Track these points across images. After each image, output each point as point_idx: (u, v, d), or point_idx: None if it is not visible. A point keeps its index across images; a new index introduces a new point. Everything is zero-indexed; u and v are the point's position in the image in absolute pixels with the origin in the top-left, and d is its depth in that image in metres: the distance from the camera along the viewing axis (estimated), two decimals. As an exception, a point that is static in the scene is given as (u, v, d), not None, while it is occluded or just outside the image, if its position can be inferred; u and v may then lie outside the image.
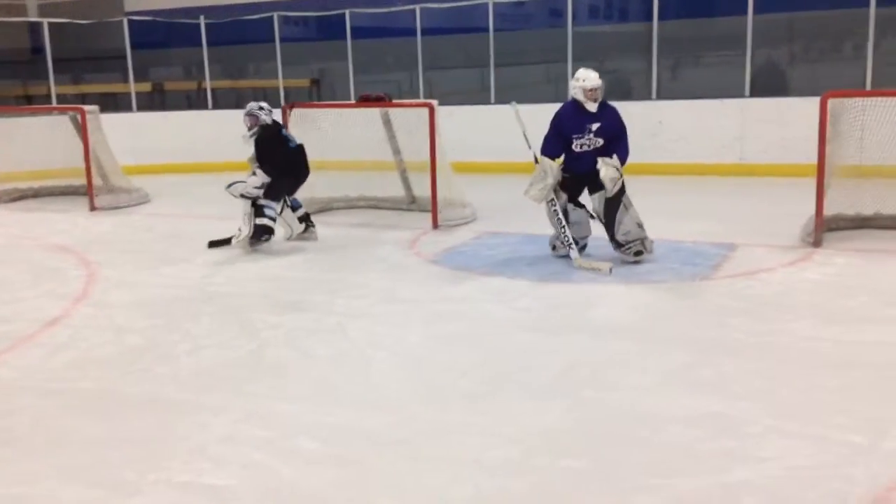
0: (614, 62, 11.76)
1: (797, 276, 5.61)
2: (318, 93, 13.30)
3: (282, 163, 6.90)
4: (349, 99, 11.30)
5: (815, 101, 6.31)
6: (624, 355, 4.33)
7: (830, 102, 6.23)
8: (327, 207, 8.77)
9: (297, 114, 8.39)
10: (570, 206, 6.14)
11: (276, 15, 12.29)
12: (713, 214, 7.56)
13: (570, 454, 3.28)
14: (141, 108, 12.85)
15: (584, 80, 5.95)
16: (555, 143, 6.03)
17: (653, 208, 8.05)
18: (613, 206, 5.97)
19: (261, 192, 6.84)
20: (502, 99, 11.23)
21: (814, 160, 6.31)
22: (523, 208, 6.76)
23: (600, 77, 5.99)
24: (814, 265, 5.85)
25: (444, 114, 7.85)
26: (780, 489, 2.96)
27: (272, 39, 12.37)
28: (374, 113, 8.31)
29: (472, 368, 4.23)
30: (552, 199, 6.04)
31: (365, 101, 8.30)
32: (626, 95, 10.89)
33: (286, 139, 7.07)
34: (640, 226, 6.03)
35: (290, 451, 3.41)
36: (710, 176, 9.58)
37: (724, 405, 3.64)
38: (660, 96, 10.31)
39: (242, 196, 6.92)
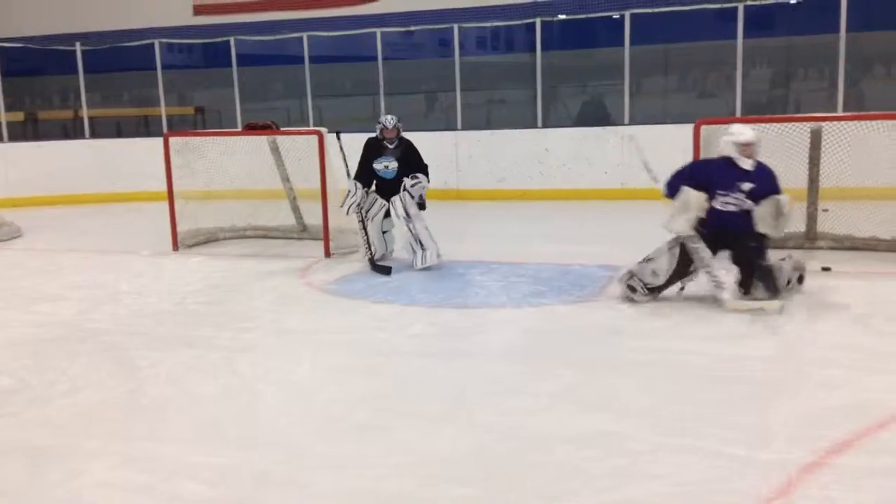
0: (501, 92, 12.04)
1: (679, 294, 5.80)
2: (204, 121, 12.98)
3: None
4: (236, 127, 11.07)
5: (689, 129, 6.61)
6: (515, 378, 4.36)
7: (703, 129, 6.54)
8: (213, 238, 8.52)
9: (179, 142, 8.14)
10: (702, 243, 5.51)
11: (157, 42, 11.94)
12: (598, 238, 7.78)
13: (463, 482, 3.25)
14: (13, 138, 12.18)
15: (740, 134, 5.43)
16: (689, 182, 5.50)
17: (541, 233, 8.29)
18: (750, 270, 5.45)
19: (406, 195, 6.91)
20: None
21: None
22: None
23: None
24: (693, 283, 6.07)
25: (334, 141, 7.78)
26: (669, 505, 3.02)
27: (154, 67, 12.01)
28: (261, 141, 8.16)
29: (364, 399, 4.15)
30: (693, 236, 5.47)
31: (251, 129, 8.15)
32: (514, 123, 11.15)
33: None
34: (783, 259, 5.58)
35: (173, 495, 3.23)
36: (595, 201, 9.87)
37: (613, 424, 3.70)
38: (545, 124, 10.58)
39: (416, 197, 6.93)
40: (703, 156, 6.49)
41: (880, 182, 6.61)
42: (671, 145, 8.97)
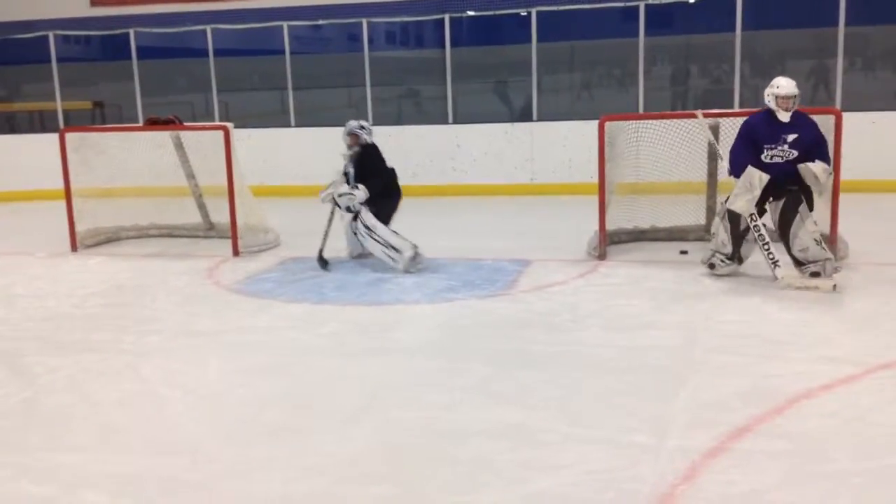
0: (412, 87, 12.02)
1: (585, 288, 5.94)
2: (103, 116, 12.48)
3: (386, 180, 6.70)
4: (137, 122, 10.69)
5: (594, 125, 6.76)
6: (429, 374, 4.37)
7: (607, 125, 6.70)
8: (115, 237, 8.21)
9: (76, 138, 7.82)
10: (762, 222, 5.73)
11: (51, 34, 11.41)
12: (509, 232, 7.88)
13: (377, 480, 3.24)
14: None
15: (778, 87, 5.61)
16: (746, 152, 5.68)
17: (454, 228, 8.33)
18: (788, 218, 5.63)
19: (362, 207, 6.54)
20: (302, 122, 11.14)
21: (596, 179, 6.74)
22: (330, 231, 6.71)
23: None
24: (599, 276, 6.24)
25: (242, 137, 7.62)
26: (577, 495, 3.08)
27: (49, 59, 11.47)
28: (165, 136, 7.91)
29: (274, 400, 4.09)
30: (753, 214, 5.66)
31: (153, 123, 7.89)
32: (425, 119, 11.16)
33: (384, 161, 6.83)
34: (818, 243, 5.61)
35: (73, 507, 3.10)
36: (505, 196, 9.99)
37: (523, 416, 3.76)
38: (456, 120, 10.63)
39: (348, 209, 6.58)
40: (606, 151, 6.65)
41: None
42: (577, 141, 9.23)
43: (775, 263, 5.60)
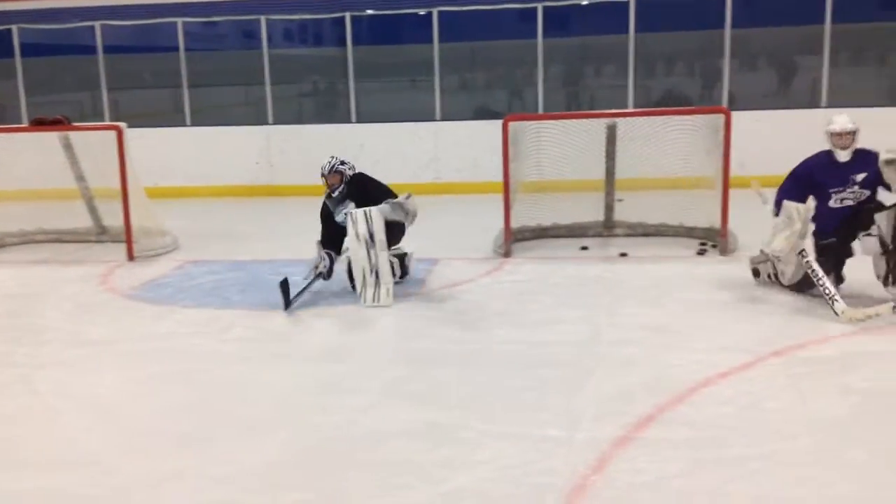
0: (313, 85, 11.86)
1: (493, 286, 6.01)
2: (-18, 116, 11.76)
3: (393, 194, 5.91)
4: (21, 122, 10.13)
5: (497, 124, 6.85)
6: (342, 377, 4.33)
7: (511, 125, 6.80)
8: (-1, 244, 7.77)
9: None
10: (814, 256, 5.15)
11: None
12: (415, 232, 7.84)
13: (294, 487, 3.18)
14: None
15: (831, 125, 5.11)
16: (794, 193, 5.16)
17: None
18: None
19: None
20: (198, 121, 10.82)
21: (501, 178, 6.83)
22: (230, 234, 6.53)
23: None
24: (505, 274, 6.33)
25: (135, 136, 7.33)
26: (494, 490, 3.11)
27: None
28: (51, 137, 7.52)
29: (178, 410, 3.95)
30: (803, 251, 5.13)
31: (40, 124, 7.49)
32: (329, 118, 11.03)
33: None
34: None
35: (-37, 531, 2.92)
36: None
37: (439, 415, 3.77)
38: (359, 119, 10.56)
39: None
40: (510, 150, 6.75)
41: (667, 173, 7.19)
42: (480, 140, 9.31)
43: (832, 299, 4.95)
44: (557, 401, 3.90)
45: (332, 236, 5.89)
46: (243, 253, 7.16)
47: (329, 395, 4.09)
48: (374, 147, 10.16)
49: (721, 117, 6.57)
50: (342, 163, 5.93)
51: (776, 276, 5.46)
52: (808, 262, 5.11)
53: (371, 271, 5.63)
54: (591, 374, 4.22)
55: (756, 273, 5.68)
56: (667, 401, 3.81)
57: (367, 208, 5.66)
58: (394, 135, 10.26)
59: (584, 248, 7.06)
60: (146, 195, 7.62)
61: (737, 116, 6.69)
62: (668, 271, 6.18)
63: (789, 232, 5.09)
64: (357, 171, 5.99)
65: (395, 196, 5.87)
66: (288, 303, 5.49)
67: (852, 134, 5.09)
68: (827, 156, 5.19)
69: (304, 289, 5.72)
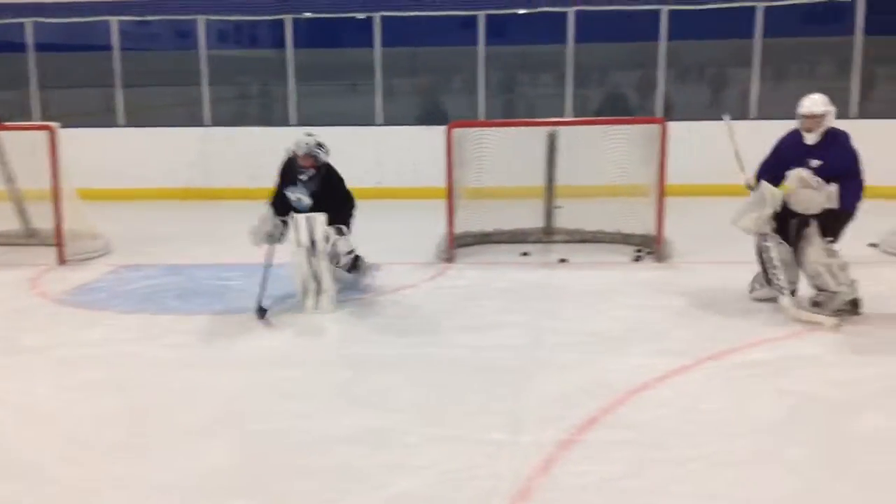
0: (252, 87, 11.71)
1: (435, 291, 6.03)
2: None
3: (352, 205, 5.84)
4: (-56, 121, 9.73)
5: (439, 130, 6.88)
6: (285, 383, 4.28)
7: (454, 131, 6.84)
8: (-80, 246, 7.43)
9: None
10: (776, 242, 5.18)
11: None
12: (358, 237, 7.81)
13: (236, 494, 3.14)
14: None
15: (799, 106, 5.04)
16: (769, 167, 5.22)
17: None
18: (795, 242, 5.14)
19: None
20: (132, 121, 10.57)
21: (443, 183, 6.86)
22: (165, 238, 6.39)
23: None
24: (448, 279, 6.35)
25: (67, 137, 7.11)
26: (438, 495, 3.12)
27: None
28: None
29: (115, 417, 3.85)
30: (765, 234, 5.17)
31: (-34, 122, 7.21)
32: (267, 121, 10.90)
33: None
34: (830, 271, 5.03)
35: None
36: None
37: (382, 420, 3.77)
38: (300, 123, 10.46)
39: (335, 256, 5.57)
40: (454, 157, 6.79)
41: (606, 180, 7.33)
42: (422, 145, 9.32)
43: (781, 290, 5.10)
44: (501, 405, 3.93)
45: (280, 200, 5.63)
46: (179, 257, 7.02)
47: (271, 401, 4.04)
48: (315, 150, 10.08)
49: (658, 127, 6.73)
50: (319, 145, 5.62)
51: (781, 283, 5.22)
52: (767, 246, 5.18)
53: (312, 278, 5.53)
54: (533, 379, 4.27)
55: (753, 290, 5.54)
56: (608, 404, 3.89)
57: (310, 215, 5.53)
58: (334, 139, 10.12)
59: (525, 253, 7.14)
60: (78, 196, 7.40)
61: (672, 126, 6.86)
62: (607, 277, 6.29)
63: (759, 213, 5.12)
64: (328, 161, 5.74)
65: (353, 203, 5.85)
66: (262, 312, 5.33)
67: (817, 118, 5.02)
68: (797, 134, 5.20)
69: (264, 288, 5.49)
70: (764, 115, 9.56)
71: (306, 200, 5.57)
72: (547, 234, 7.62)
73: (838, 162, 4.99)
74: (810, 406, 3.89)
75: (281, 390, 4.18)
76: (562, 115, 9.94)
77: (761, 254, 5.29)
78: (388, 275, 6.41)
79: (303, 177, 5.58)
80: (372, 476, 3.25)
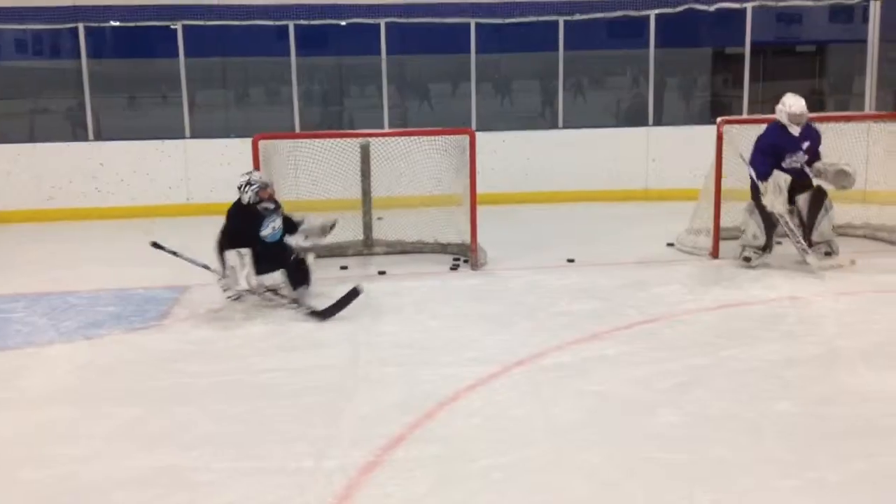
0: (45, 99, 10.84)
1: (247, 311, 5.75)
2: None
3: None
4: None
5: (248, 142, 6.63)
6: (63, 424, 3.91)
7: (262, 144, 6.61)
8: None
9: None
10: (791, 215, 6.54)
11: None
12: (164, 257, 7.38)
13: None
14: None
15: (791, 107, 6.41)
16: (767, 160, 6.43)
17: (99, 257, 7.57)
18: (817, 207, 6.55)
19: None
20: None
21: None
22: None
23: None
24: (265, 298, 6.09)
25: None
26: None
27: None
28: None
29: None
30: (783, 214, 6.41)
31: None
32: (61, 136, 10.09)
33: None
34: (833, 229, 6.66)
35: None
36: (159, 217, 9.35)
37: (177, 457, 3.51)
38: (98, 137, 9.79)
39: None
40: (263, 169, 6.55)
41: (421, 191, 7.36)
42: (233, 158, 8.97)
43: (805, 251, 6.44)
44: (314, 430, 3.77)
45: (241, 243, 5.69)
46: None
47: (47, 446, 3.67)
48: (116, 166, 9.48)
49: (466, 138, 6.82)
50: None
51: (758, 248, 6.57)
52: (787, 221, 6.46)
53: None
54: (349, 398, 4.15)
55: (748, 259, 6.61)
56: (417, 419, 3.83)
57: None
58: (139, 153, 9.59)
59: (344, 267, 7.02)
60: None
61: (482, 137, 6.99)
62: (424, 287, 6.29)
63: (782, 197, 6.42)
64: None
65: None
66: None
67: (805, 115, 6.47)
68: (782, 128, 6.51)
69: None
70: (569, 125, 10.02)
71: (279, 223, 5.85)
72: (367, 247, 7.54)
73: (817, 143, 6.62)
74: (606, 406, 4.00)
75: (56, 433, 3.83)
76: (382, 127, 9.90)
77: (787, 227, 6.48)
78: (196, 296, 6.09)
79: (270, 206, 5.86)
80: (163, 521, 3.01)
